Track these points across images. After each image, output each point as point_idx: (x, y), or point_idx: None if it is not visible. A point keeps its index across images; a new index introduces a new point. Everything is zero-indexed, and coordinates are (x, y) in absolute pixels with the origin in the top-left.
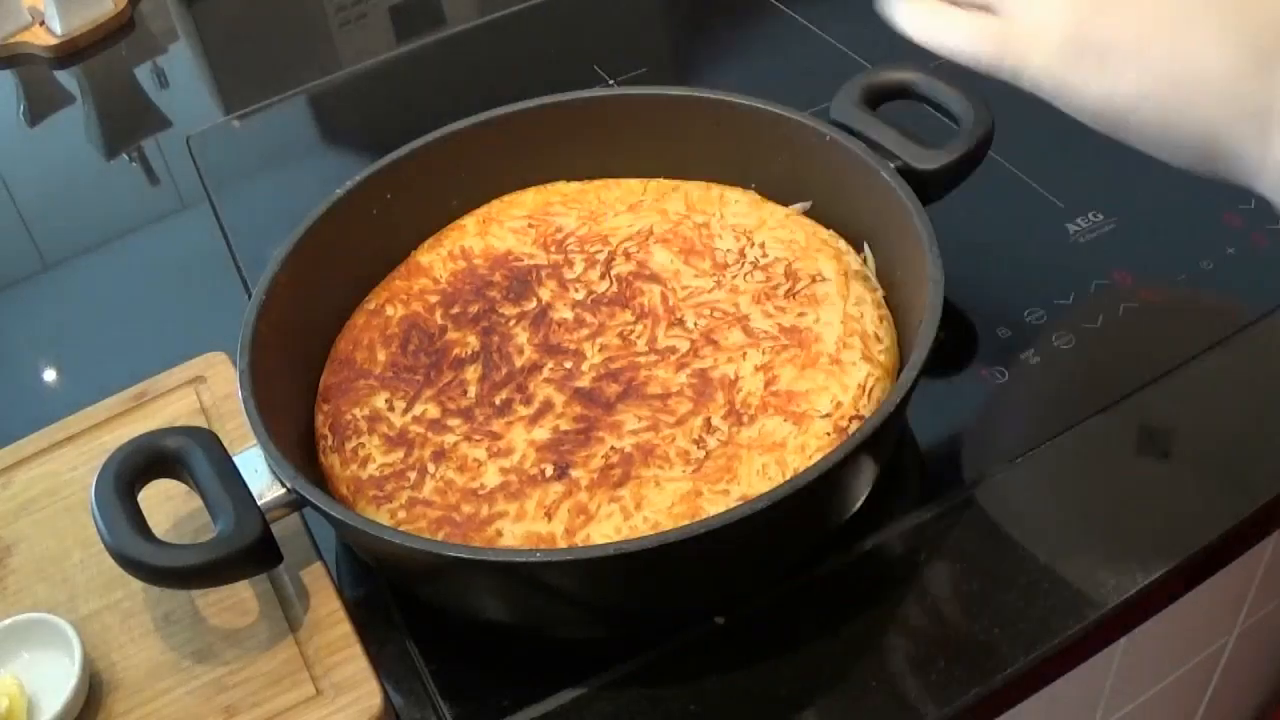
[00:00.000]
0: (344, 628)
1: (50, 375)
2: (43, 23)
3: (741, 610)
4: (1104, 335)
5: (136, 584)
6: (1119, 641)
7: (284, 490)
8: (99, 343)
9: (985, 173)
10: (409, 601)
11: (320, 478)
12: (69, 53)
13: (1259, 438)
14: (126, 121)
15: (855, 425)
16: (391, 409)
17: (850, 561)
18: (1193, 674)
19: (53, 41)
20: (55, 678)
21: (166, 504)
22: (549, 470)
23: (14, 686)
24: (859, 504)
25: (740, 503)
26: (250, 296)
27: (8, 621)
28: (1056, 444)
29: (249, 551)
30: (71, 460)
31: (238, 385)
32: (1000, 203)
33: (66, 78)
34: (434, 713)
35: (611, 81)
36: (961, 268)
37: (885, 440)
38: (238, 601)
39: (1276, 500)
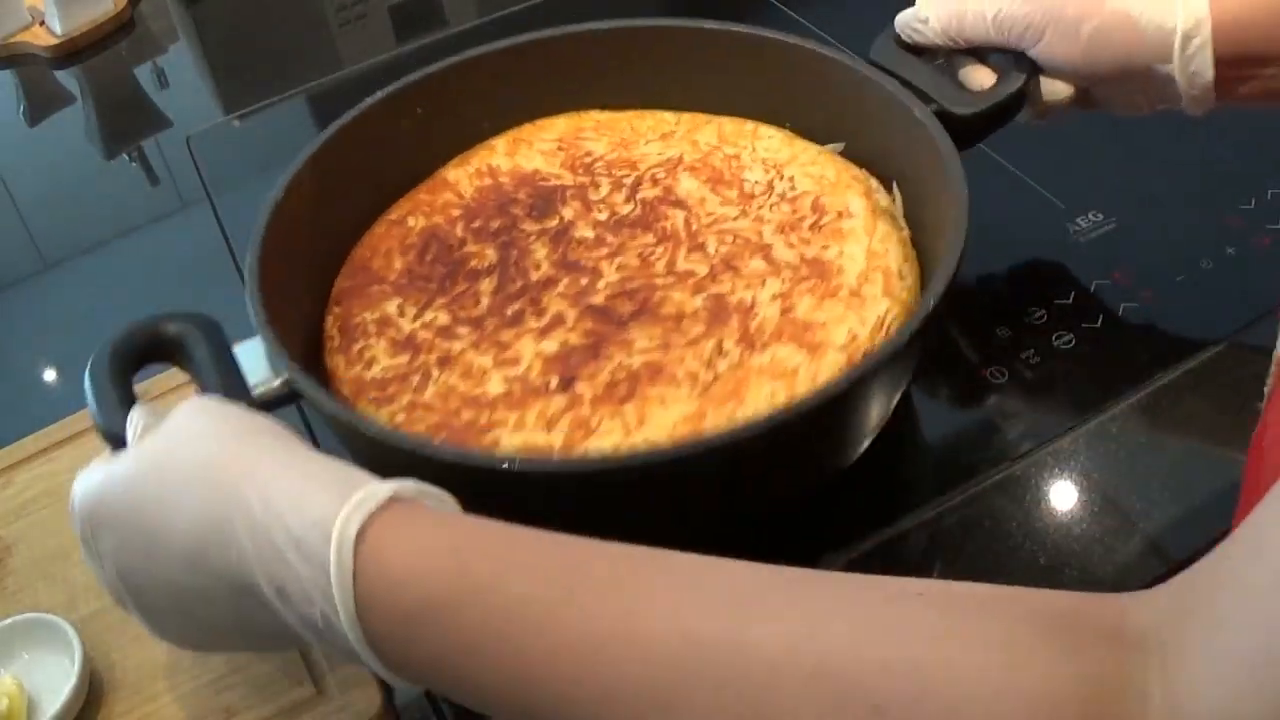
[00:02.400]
0: None
1: (50, 375)
2: (43, 23)
3: None
4: (1104, 335)
5: None
6: None
7: (280, 382)
8: (99, 343)
9: (985, 172)
10: None
11: (324, 381)
12: (69, 53)
13: None
14: (126, 121)
15: None
16: (402, 314)
17: (851, 561)
18: None
19: (53, 41)
20: (55, 678)
21: None
22: (554, 382)
23: (14, 686)
24: (864, 446)
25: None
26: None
27: (8, 621)
28: (1057, 444)
29: None
30: (71, 460)
31: (246, 274)
32: (1000, 203)
33: (66, 78)
34: (434, 713)
35: None
36: (962, 267)
37: (899, 372)
38: None
39: None
